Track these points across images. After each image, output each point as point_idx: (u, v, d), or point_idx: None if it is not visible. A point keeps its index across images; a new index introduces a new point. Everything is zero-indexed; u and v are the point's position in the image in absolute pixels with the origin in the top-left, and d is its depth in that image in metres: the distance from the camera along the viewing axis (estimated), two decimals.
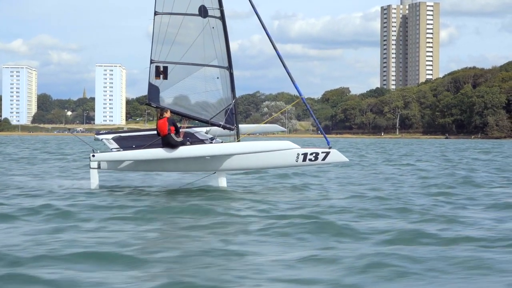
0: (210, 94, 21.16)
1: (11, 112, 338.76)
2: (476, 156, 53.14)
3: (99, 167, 20.16)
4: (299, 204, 17.14)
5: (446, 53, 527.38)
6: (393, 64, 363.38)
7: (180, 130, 20.29)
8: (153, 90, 20.94)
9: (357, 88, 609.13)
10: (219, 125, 21.28)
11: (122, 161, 20.22)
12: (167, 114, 20.02)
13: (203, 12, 20.60)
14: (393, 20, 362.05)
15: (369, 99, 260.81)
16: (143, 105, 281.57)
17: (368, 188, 21.89)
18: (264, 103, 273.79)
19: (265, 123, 24.93)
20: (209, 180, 22.05)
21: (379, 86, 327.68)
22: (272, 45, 21.28)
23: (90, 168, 20.18)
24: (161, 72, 20.78)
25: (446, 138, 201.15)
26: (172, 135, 19.75)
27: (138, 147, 20.37)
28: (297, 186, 22.45)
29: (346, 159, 21.53)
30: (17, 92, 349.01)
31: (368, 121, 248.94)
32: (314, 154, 20.76)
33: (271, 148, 20.62)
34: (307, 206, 16.64)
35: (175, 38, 20.66)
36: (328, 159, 20.97)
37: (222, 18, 20.69)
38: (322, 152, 20.82)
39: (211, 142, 20.95)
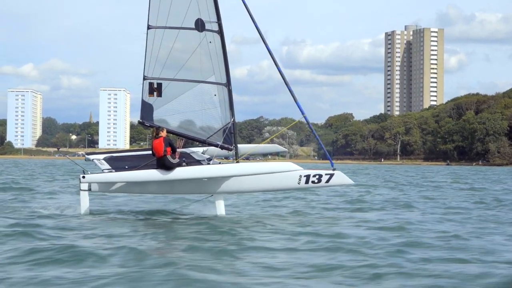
0: (207, 112, 19.95)
1: (16, 136, 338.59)
2: (440, 183, 51.08)
3: (89, 189, 18.98)
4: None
5: (455, 80, 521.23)
6: (397, 90, 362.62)
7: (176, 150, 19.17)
8: (146, 108, 19.76)
9: (365, 114, 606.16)
10: (216, 145, 20.06)
11: (114, 183, 19.04)
12: (163, 134, 18.87)
13: (200, 25, 19.46)
14: (397, 46, 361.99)
15: (371, 125, 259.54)
16: (148, 129, 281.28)
17: (239, 214, 20.74)
18: (265, 128, 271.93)
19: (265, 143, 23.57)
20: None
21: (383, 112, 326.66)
22: (274, 62, 20.20)
23: (80, 190, 18.99)
24: (155, 89, 19.63)
25: (448, 164, 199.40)
26: (169, 157, 18.59)
27: (131, 168, 19.23)
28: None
29: (351, 182, 20.35)
30: (22, 115, 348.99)
31: (369, 147, 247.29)
32: (317, 176, 19.63)
33: (272, 170, 19.48)
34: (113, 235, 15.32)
35: (170, 53, 19.52)
36: (332, 181, 19.86)
37: (220, 32, 19.55)
38: (325, 174, 19.71)
39: (208, 163, 19.82)
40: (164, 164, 18.59)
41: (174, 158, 18.70)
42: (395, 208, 24.08)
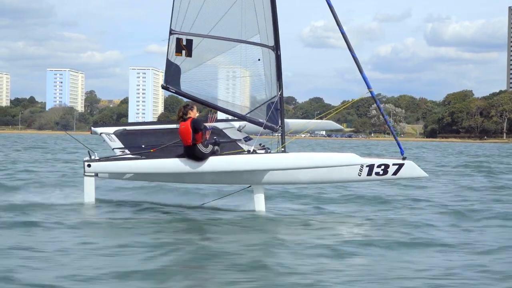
0: (249, 80, 15.86)
1: (137, 113, 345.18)
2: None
3: (96, 175, 15.07)
4: None
5: None
6: None
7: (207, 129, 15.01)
8: (172, 70, 15.66)
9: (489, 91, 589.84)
10: (260, 124, 15.86)
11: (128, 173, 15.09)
12: (193, 113, 14.73)
13: None
14: None
15: (478, 102, 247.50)
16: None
17: None
18: (373, 105, 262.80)
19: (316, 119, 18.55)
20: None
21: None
22: (337, 24, 15.98)
23: (84, 175, 15.04)
24: (184, 47, 15.47)
25: None
26: (199, 146, 14.53)
27: (149, 147, 15.33)
28: None
29: (425, 174, 15.88)
30: (143, 93, 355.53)
31: (476, 124, 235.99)
32: (382, 167, 15.33)
33: (328, 163, 15.24)
34: None
35: (204, 2, 15.48)
36: (400, 173, 15.51)
37: None
38: (393, 165, 15.40)
39: (246, 144, 15.76)
40: (193, 154, 14.64)
41: (206, 146, 14.64)
42: None
